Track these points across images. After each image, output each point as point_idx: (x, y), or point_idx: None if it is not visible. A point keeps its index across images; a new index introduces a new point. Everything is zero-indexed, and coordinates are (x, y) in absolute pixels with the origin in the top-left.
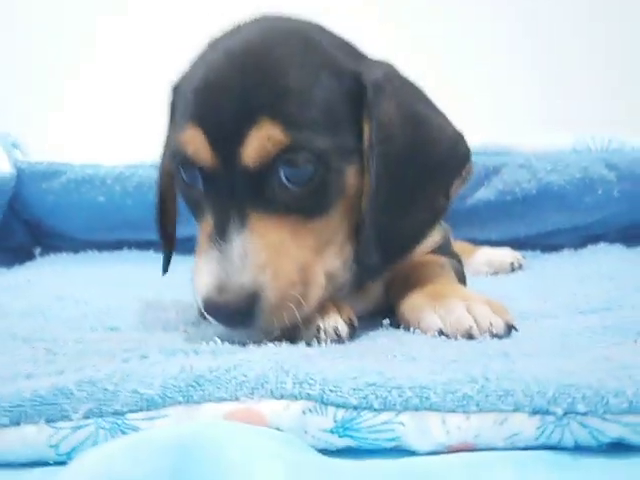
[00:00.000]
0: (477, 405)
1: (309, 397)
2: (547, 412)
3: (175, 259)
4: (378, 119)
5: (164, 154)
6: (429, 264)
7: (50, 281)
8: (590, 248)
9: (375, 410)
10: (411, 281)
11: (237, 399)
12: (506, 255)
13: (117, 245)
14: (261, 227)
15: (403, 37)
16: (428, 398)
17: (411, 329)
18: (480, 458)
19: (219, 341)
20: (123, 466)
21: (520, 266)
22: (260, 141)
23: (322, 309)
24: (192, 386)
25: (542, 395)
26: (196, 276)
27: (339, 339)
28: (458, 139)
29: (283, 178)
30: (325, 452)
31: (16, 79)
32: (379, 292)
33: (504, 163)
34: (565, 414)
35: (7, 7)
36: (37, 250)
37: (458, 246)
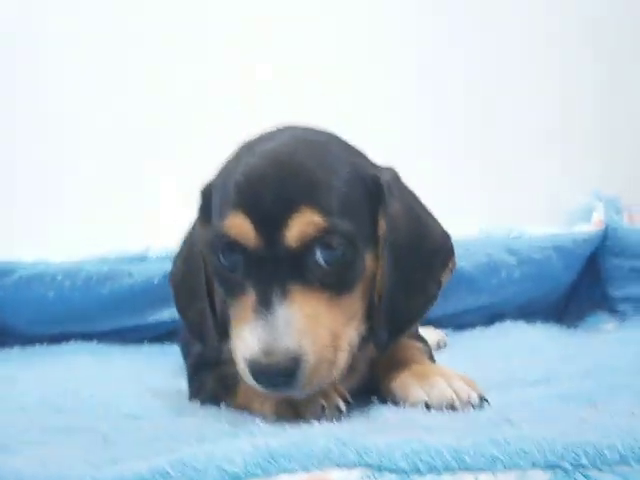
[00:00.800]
0: (502, 464)
1: (367, 465)
2: (558, 466)
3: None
4: (391, 214)
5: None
6: (409, 347)
7: (25, 378)
8: (497, 326)
9: (421, 472)
10: (395, 361)
11: (307, 470)
12: (431, 334)
13: (60, 337)
14: (300, 299)
15: None
16: (463, 460)
17: (400, 404)
18: None
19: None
20: None
21: (445, 344)
22: (302, 225)
23: (320, 390)
24: (268, 461)
25: (552, 452)
26: (240, 343)
27: (340, 415)
28: (446, 236)
29: (318, 257)
30: None
31: None
32: (365, 370)
33: None
34: (574, 468)
35: None
36: None
37: None
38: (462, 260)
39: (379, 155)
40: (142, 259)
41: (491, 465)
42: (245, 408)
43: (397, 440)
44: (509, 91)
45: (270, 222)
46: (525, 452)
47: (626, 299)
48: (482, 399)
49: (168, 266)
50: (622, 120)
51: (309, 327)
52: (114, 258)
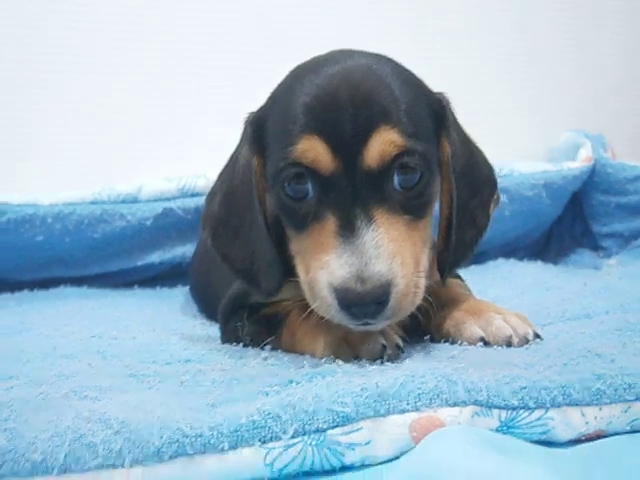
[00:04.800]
0: (609, 398)
1: (477, 402)
2: None
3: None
4: (453, 138)
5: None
6: (455, 285)
7: (44, 322)
8: (491, 263)
9: (530, 409)
10: (442, 300)
11: (418, 409)
12: None
13: (48, 283)
14: (384, 223)
15: None
16: (570, 395)
17: (458, 342)
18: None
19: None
20: None
21: None
22: (382, 145)
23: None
24: (378, 401)
25: None
26: (323, 273)
27: (399, 354)
28: (491, 167)
29: (397, 180)
30: None
31: None
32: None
33: None
34: None
35: None
36: None
37: None
38: None
39: None
40: (134, 200)
41: (597, 399)
42: (291, 348)
43: (502, 377)
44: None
45: (348, 143)
46: (630, 385)
47: (611, 235)
48: (536, 335)
49: (160, 207)
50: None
51: (397, 250)
52: (106, 199)
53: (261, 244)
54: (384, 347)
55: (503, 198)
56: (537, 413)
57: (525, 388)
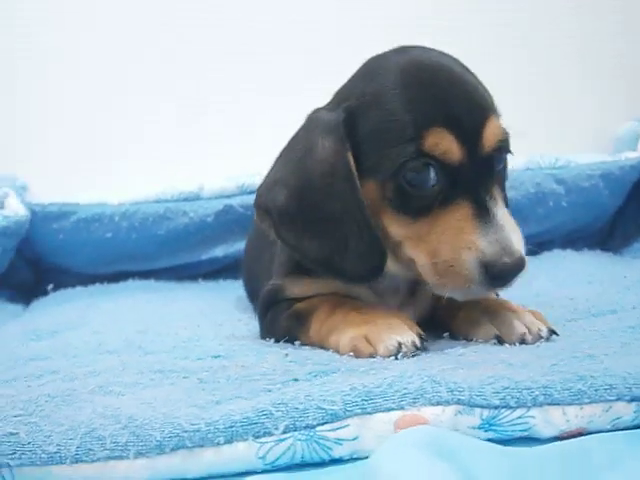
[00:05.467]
0: (589, 398)
1: (459, 402)
2: None
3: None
4: None
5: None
6: None
7: (96, 320)
8: (547, 255)
9: (511, 408)
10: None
11: (402, 408)
12: None
13: (118, 276)
14: (502, 201)
15: None
16: (551, 395)
17: (472, 339)
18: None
19: (327, 360)
20: None
21: None
22: (495, 131)
23: (392, 325)
24: (365, 400)
25: (637, 387)
26: (470, 252)
27: (416, 352)
28: None
29: (499, 162)
30: None
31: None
32: (427, 303)
33: None
34: None
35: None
36: (50, 286)
37: None
38: (511, 190)
39: None
40: (196, 197)
41: (578, 399)
42: (319, 343)
43: (486, 377)
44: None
45: (469, 134)
46: (611, 386)
47: None
48: (551, 332)
49: (220, 204)
50: None
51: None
52: (169, 197)
53: (361, 234)
54: (400, 345)
55: (560, 189)
56: (518, 412)
57: (507, 388)
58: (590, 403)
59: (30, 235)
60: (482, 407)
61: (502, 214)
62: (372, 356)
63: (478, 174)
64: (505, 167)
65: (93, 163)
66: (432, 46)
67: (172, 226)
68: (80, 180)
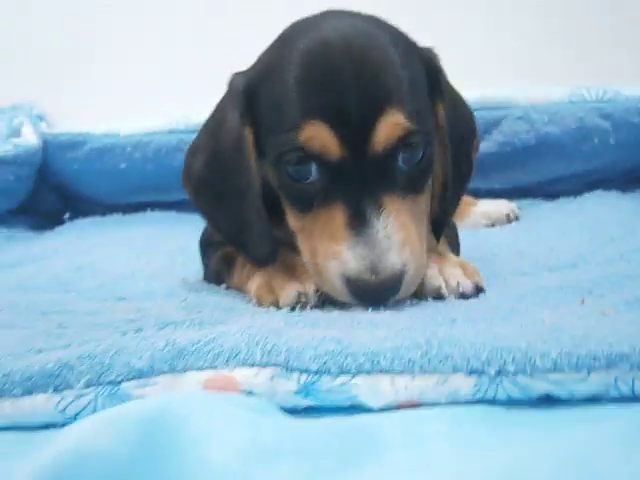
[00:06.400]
0: (420, 368)
1: (276, 364)
2: (482, 372)
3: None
4: (447, 101)
5: (224, 150)
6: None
7: (74, 249)
8: (586, 195)
9: (332, 374)
10: None
11: (214, 368)
12: (502, 207)
13: (141, 207)
14: (394, 209)
15: None
16: (378, 362)
17: None
18: (425, 412)
19: (207, 310)
20: (93, 439)
21: (516, 217)
22: (389, 127)
23: (294, 275)
24: (176, 357)
25: (477, 358)
26: (336, 262)
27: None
28: (473, 115)
29: (400, 161)
30: (293, 411)
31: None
32: None
33: (503, 116)
34: (498, 374)
35: None
36: (66, 215)
37: None
38: (551, 124)
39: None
40: None
41: (408, 369)
42: (239, 287)
43: (313, 339)
44: None
45: (354, 129)
46: (447, 356)
47: None
48: (478, 289)
49: None
50: None
51: (407, 238)
52: (182, 128)
53: (253, 216)
54: (299, 295)
55: (606, 125)
56: (340, 379)
57: (331, 352)
58: (422, 373)
59: (50, 164)
60: (300, 371)
61: (383, 226)
62: (274, 305)
63: (364, 176)
64: (426, 164)
65: (110, 97)
66: None
67: None
68: (96, 113)
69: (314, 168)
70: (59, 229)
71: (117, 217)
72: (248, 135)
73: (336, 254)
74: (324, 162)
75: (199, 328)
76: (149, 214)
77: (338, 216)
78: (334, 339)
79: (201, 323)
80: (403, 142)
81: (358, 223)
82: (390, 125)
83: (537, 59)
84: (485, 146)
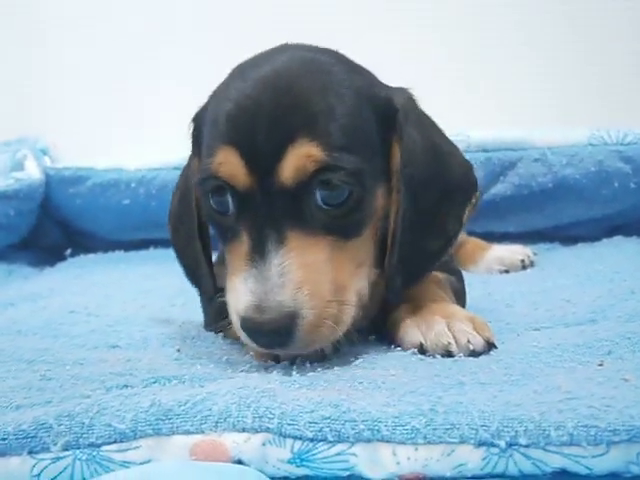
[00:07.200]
0: (424, 438)
1: (268, 430)
2: (491, 444)
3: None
4: (407, 143)
5: (185, 185)
6: (426, 281)
7: (70, 289)
8: (605, 241)
9: (329, 442)
10: (406, 298)
11: (202, 432)
12: (517, 253)
13: (144, 244)
14: (298, 246)
15: (412, 24)
16: (379, 430)
17: (392, 346)
18: None
19: (199, 364)
20: None
21: (531, 263)
22: (298, 159)
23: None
24: (161, 419)
25: (486, 429)
26: (232, 296)
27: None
28: (469, 168)
29: (319, 199)
30: None
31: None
32: (375, 312)
33: (519, 157)
34: (509, 446)
35: (37, 13)
36: (68, 251)
37: (472, 243)
38: (569, 168)
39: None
40: None
41: (411, 438)
42: (237, 340)
43: (309, 403)
44: None
45: (263, 157)
46: (453, 426)
47: None
48: (490, 345)
49: None
50: None
51: (307, 278)
52: None
53: (198, 255)
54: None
55: (627, 169)
56: (337, 448)
57: (328, 418)
58: (426, 444)
59: (53, 199)
60: (294, 438)
61: (280, 262)
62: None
63: (270, 208)
64: (356, 207)
65: (111, 130)
66: None
67: None
68: (100, 146)
69: (230, 200)
70: (59, 265)
71: (119, 254)
72: (195, 167)
73: (233, 289)
74: (236, 192)
75: (189, 385)
76: (152, 252)
77: (242, 248)
78: (332, 403)
79: (192, 379)
80: (319, 178)
81: (256, 256)
82: (300, 157)
83: (556, 99)
84: (500, 188)
